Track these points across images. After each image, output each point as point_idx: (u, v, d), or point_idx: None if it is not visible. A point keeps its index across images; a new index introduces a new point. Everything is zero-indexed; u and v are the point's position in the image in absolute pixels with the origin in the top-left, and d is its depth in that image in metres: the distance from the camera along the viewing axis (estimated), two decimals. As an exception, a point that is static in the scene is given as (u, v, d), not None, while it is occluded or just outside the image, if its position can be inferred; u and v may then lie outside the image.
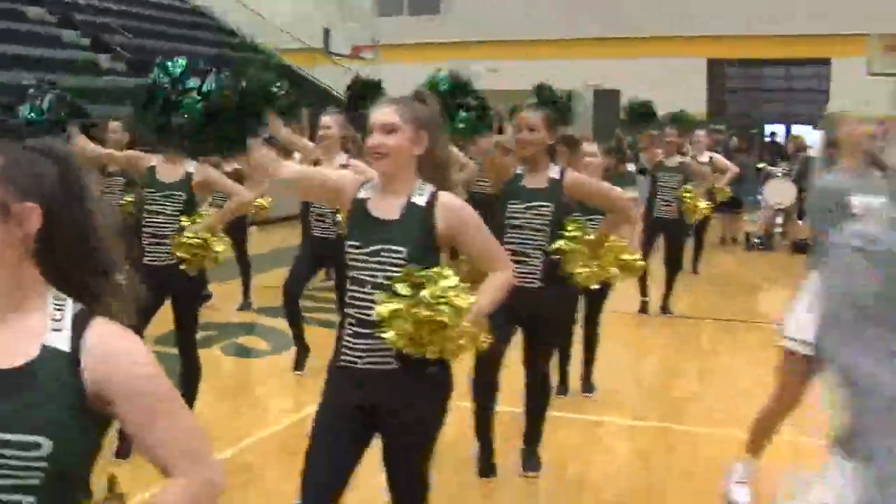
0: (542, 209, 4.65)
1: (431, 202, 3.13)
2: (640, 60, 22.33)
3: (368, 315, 3.06)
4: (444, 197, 3.16)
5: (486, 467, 4.95)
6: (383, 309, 2.98)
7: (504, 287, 3.25)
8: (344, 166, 5.77)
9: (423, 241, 3.09)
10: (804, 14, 21.12)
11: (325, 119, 6.44)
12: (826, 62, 22.49)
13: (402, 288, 2.99)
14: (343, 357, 3.15)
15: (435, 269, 3.04)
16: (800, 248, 12.53)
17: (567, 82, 20.58)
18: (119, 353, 1.71)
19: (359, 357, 3.11)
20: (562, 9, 24.03)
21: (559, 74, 20.65)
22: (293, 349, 6.92)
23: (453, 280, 3.03)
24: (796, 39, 21.73)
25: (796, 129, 20.27)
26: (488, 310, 3.16)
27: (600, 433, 6.01)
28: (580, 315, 6.21)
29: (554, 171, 4.72)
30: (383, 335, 2.99)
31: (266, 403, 6.67)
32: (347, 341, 3.14)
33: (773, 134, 22.12)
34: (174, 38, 21.03)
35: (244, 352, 7.84)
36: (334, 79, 21.66)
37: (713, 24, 22.34)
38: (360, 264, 3.11)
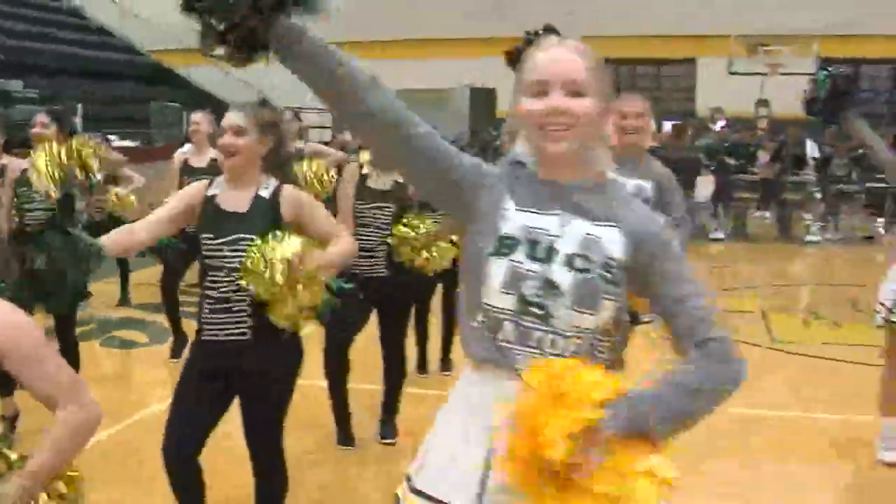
0: (386, 209, 5.25)
1: (276, 194, 3.64)
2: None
3: (225, 295, 3.57)
4: (287, 189, 3.67)
5: (344, 438, 5.49)
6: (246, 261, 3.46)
7: (344, 253, 3.75)
8: (214, 160, 6.22)
9: (270, 229, 3.57)
10: (672, 15, 22.27)
11: (196, 116, 7.23)
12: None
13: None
14: (205, 332, 3.65)
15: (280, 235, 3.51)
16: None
17: (444, 82, 21.22)
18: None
19: (219, 330, 3.60)
20: (441, 7, 24.55)
21: (438, 73, 21.30)
22: (171, 340, 7.36)
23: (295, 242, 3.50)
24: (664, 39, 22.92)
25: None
26: (327, 265, 3.63)
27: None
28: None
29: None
30: (241, 282, 3.47)
31: (143, 389, 7.08)
32: (207, 318, 3.63)
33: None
34: (48, 39, 20.90)
35: (124, 344, 8.18)
36: (212, 79, 21.87)
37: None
38: (215, 253, 3.59)
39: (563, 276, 2.01)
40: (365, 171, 5.33)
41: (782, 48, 21.34)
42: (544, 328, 2.02)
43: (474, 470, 2.05)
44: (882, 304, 5.19)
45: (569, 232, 2.04)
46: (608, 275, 2.02)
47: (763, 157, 16.31)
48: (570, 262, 2.02)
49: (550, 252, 2.02)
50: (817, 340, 8.32)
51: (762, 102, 21.55)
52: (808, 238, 15.34)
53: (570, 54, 2.06)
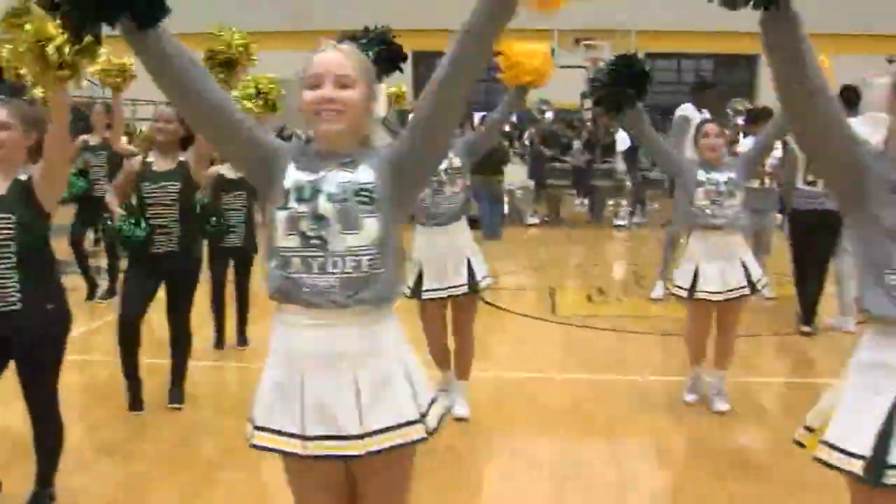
0: (170, 187, 5.75)
1: (30, 178, 4.09)
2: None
3: None
4: (38, 173, 4.09)
5: (135, 403, 5.96)
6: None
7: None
8: None
9: (27, 207, 4.04)
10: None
11: None
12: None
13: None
14: None
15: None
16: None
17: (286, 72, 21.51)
18: None
19: None
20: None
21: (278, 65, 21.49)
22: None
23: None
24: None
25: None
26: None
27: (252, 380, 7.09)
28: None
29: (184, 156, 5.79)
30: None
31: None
32: None
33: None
34: None
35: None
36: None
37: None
38: None
39: (327, 208, 2.52)
40: (149, 158, 5.82)
41: (603, 42, 22.34)
42: (322, 254, 2.53)
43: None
44: (678, 286, 6.00)
45: (331, 178, 2.55)
46: (363, 198, 2.53)
47: (577, 146, 17.31)
48: (330, 198, 2.52)
49: (315, 194, 2.53)
50: (597, 313, 9.21)
51: (586, 94, 22.68)
52: (617, 222, 16.45)
53: (340, 54, 2.60)
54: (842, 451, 2.56)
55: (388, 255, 2.58)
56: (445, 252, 5.57)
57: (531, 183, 17.06)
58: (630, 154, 16.61)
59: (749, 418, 6.03)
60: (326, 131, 2.58)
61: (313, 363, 2.58)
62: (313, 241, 2.53)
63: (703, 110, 9.23)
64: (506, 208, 16.19)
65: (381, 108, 2.20)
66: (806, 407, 2.87)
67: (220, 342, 7.52)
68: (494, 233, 14.21)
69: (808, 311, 8.10)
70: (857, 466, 2.51)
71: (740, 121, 11.93)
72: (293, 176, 2.58)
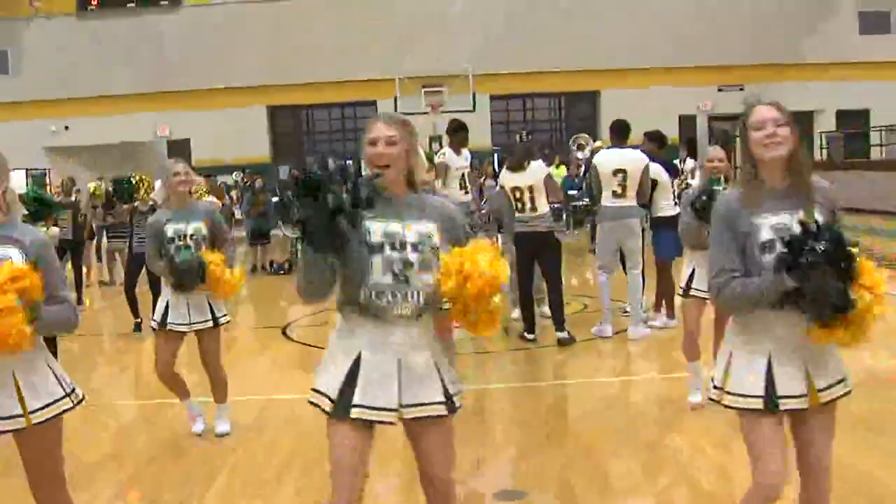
0: None
1: None
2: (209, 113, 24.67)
3: None
4: None
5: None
6: None
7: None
8: None
9: None
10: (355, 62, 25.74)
11: None
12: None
13: None
14: None
15: None
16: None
17: (140, 135, 26.59)
18: None
19: None
20: (132, 64, 24.09)
21: (131, 127, 25.99)
22: None
23: None
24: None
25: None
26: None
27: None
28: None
29: None
30: None
31: None
32: None
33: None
34: None
35: None
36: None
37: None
38: None
39: (412, 256, 3.36)
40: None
41: (442, 88, 24.73)
42: (406, 288, 3.36)
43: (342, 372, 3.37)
44: (679, 285, 6.80)
45: (412, 228, 3.38)
46: (431, 249, 3.38)
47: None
48: (414, 247, 3.36)
49: (404, 244, 3.37)
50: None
51: (435, 139, 23.38)
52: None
53: (388, 124, 3.44)
54: (744, 396, 3.45)
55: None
56: None
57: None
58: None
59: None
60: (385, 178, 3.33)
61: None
62: (399, 277, 3.37)
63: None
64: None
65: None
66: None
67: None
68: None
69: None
70: (758, 403, 3.42)
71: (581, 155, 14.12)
72: (376, 228, 3.36)
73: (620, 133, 9.45)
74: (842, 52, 26.58)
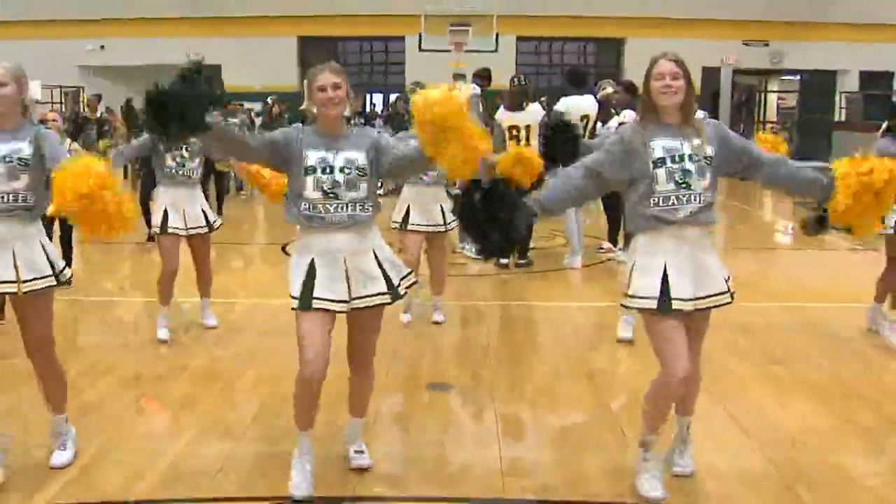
0: None
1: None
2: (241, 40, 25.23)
3: None
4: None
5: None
6: None
7: None
8: None
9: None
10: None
11: None
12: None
13: None
14: None
15: None
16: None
17: (173, 58, 28.18)
18: None
19: None
20: None
21: (164, 50, 23.60)
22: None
23: None
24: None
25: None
26: None
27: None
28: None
29: None
30: None
31: None
32: None
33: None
34: None
35: None
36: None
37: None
38: None
39: (340, 177, 4.09)
40: None
41: (468, 27, 24.48)
42: (337, 202, 4.09)
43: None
44: None
45: (340, 156, 4.12)
46: (360, 171, 4.11)
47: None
48: (341, 170, 4.09)
49: (333, 167, 4.10)
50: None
51: (459, 76, 24.27)
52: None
53: (334, 73, 4.11)
54: (641, 297, 3.96)
55: (375, 199, 4.24)
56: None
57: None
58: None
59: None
60: (326, 115, 4.15)
61: None
62: (330, 195, 4.11)
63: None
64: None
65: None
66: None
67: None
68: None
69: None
70: (653, 303, 3.93)
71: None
72: (312, 155, 4.11)
73: (577, 81, 10.33)
74: (868, 13, 26.48)
